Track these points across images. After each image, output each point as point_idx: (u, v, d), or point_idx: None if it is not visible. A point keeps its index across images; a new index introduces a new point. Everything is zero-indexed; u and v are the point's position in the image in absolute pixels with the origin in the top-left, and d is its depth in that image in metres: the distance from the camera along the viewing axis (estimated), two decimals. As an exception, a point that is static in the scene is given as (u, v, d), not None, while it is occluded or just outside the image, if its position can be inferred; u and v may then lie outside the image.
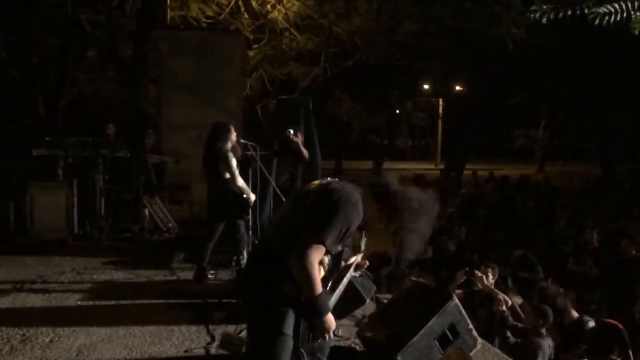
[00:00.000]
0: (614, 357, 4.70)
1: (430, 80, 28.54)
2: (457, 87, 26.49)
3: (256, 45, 13.16)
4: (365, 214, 2.71)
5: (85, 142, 8.58)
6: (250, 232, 6.05)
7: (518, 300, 6.37)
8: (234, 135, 6.12)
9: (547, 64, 18.12)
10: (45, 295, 5.76)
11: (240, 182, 6.03)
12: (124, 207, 8.92)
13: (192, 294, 5.73)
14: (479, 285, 5.85)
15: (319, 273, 2.61)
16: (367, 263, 3.33)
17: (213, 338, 4.61)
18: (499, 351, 4.71)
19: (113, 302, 5.59)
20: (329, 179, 2.87)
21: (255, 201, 6.08)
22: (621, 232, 9.52)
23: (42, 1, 13.31)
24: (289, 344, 2.65)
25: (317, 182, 2.86)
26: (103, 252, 7.64)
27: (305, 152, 7.03)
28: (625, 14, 4.53)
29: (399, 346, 3.83)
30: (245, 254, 5.90)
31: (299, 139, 7.06)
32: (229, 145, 6.03)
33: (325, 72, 14.27)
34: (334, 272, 2.96)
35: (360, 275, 4.07)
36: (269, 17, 12.60)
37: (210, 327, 4.83)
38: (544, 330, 5.19)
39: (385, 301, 5.23)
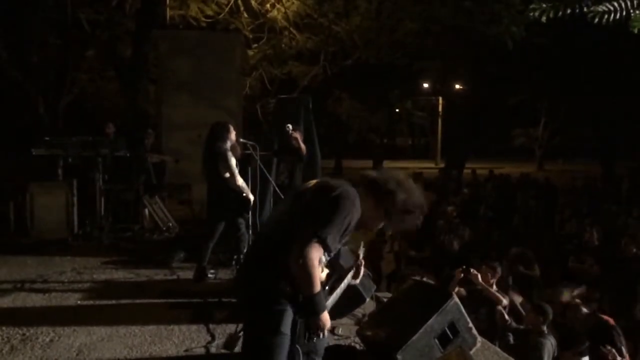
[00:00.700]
0: (609, 348, 4.72)
1: (430, 79, 28.54)
2: (457, 86, 26.49)
3: (256, 45, 13.16)
4: (362, 212, 2.68)
5: (85, 142, 8.57)
6: (250, 231, 6.05)
7: (518, 298, 6.38)
8: (233, 135, 6.13)
9: (546, 63, 18.10)
10: (45, 295, 5.76)
11: (240, 181, 6.03)
12: (124, 207, 8.93)
13: (192, 293, 5.73)
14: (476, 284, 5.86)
15: (318, 271, 2.58)
16: (365, 272, 3.33)
17: (213, 337, 4.61)
18: (498, 349, 4.71)
19: (113, 302, 5.59)
20: (327, 178, 2.87)
21: (255, 200, 6.08)
22: (622, 230, 9.54)
23: (42, 1, 13.30)
24: (286, 342, 2.63)
25: (314, 181, 2.86)
26: (103, 252, 7.64)
27: (303, 147, 7.04)
28: (624, 13, 4.54)
29: (399, 345, 3.84)
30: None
31: (298, 135, 7.06)
32: (229, 144, 6.04)
33: (325, 71, 14.27)
34: (333, 272, 2.95)
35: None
36: (268, 16, 12.60)
37: (211, 326, 4.83)
38: (545, 328, 5.19)
39: (385, 300, 5.24)
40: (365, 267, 3.26)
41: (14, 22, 13.27)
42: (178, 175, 9.85)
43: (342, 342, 4.51)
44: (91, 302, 5.62)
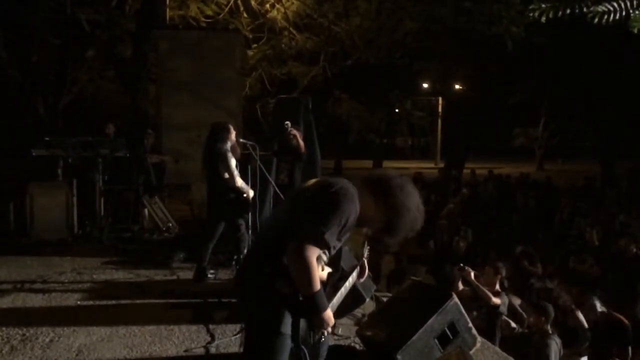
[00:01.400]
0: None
1: (430, 79, 28.52)
2: (457, 86, 26.47)
3: (255, 45, 13.14)
4: (361, 210, 2.63)
5: (84, 142, 8.58)
6: (250, 232, 6.05)
7: (517, 300, 6.39)
8: (233, 135, 6.13)
9: (546, 63, 18.10)
10: (45, 295, 5.76)
11: (240, 181, 6.04)
12: (124, 207, 8.94)
13: (192, 294, 5.73)
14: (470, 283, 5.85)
15: (317, 269, 2.54)
16: (368, 273, 3.31)
17: (213, 337, 4.62)
18: (498, 349, 4.71)
19: (113, 302, 5.59)
20: (326, 177, 2.85)
21: (254, 201, 6.08)
22: (621, 230, 9.54)
23: (42, 1, 13.30)
24: (287, 343, 2.59)
25: (314, 179, 2.84)
26: (103, 252, 7.64)
27: (302, 144, 7.05)
28: (624, 13, 4.54)
29: (398, 345, 3.84)
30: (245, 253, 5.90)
31: (297, 133, 7.07)
32: (229, 145, 6.05)
33: (325, 72, 14.23)
34: (335, 272, 2.92)
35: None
36: (268, 16, 12.59)
37: (211, 326, 4.83)
38: (549, 327, 5.18)
39: (385, 300, 5.24)
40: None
41: (13, 22, 13.28)
42: (178, 176, 9.85)
43: (342, 342, 4.52)
44: (91, 302, 5.62)
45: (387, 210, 2.66)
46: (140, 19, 11.61)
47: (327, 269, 2.86)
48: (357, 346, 4.43)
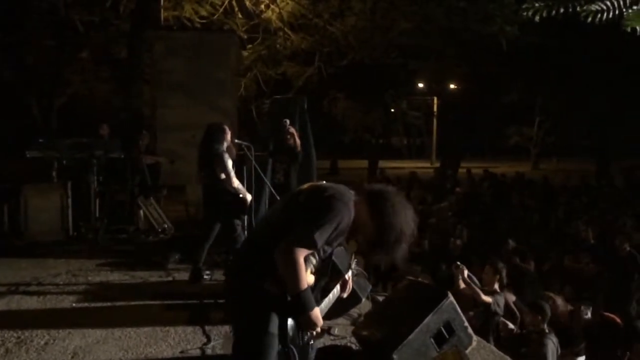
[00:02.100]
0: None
1: (425, 79, 28.54)
2: (452, 86, 26.52)
3: (250, 45, 13.13)
4: (356, 217, 2.65)
5: (79, 144, 8.54)
6: (246, 232, 6.04)
7: (512, 297, 6.39)
8: (229, 136, 6.12)
9: (541, 62, 18.14)
10: (40, 298, 5.74)
11: (236, 182, 6.03)
12: (119, 208, 8.90)
13: (187, 295, 5.72)
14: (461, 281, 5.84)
15: (305, 268, 2.55)
16: (361, 271, 3.30)
17: (209, 339, 4.60)
18: (494, 348, 4.72)
19: (108, 304, 5.57)
20: (323, 182, 2.85)
21: (250, 201, 6.08)
22: (616, 229, 9.57)
23: (37, 3, 13.27)
24: (275, 343, 2.60)
25: (309, 184, 2.85)
26: (98, 254, 7.61)
27: (299, 142, 7.04)
28: (617, 11, 4.55)
29: (395, 344, 3.84)
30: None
31: (294, 131, 7.06)
32: (224, 146, 6.04)
33: (320, 72, 14.24)
34: (324, 276, 2.91)
35: (356, 275, 4.07)
36: (262, 16, 12.58)
37: (207, 327, 4.82)
38: (545, 326, 5.18)
39: (381, 300, 5.24)
40: (360, 266, 3.25)
41: (8, 23, 13.24)
42: (173, 176, 9.83)
43: (338, 342, 4.51)
44: (86, 304, 5.60)
45: (378, 225, 2.66)
46: (135, 20, 11.60)
47: (310, 273, 2.83)
48: (354, 346, 4.42)
